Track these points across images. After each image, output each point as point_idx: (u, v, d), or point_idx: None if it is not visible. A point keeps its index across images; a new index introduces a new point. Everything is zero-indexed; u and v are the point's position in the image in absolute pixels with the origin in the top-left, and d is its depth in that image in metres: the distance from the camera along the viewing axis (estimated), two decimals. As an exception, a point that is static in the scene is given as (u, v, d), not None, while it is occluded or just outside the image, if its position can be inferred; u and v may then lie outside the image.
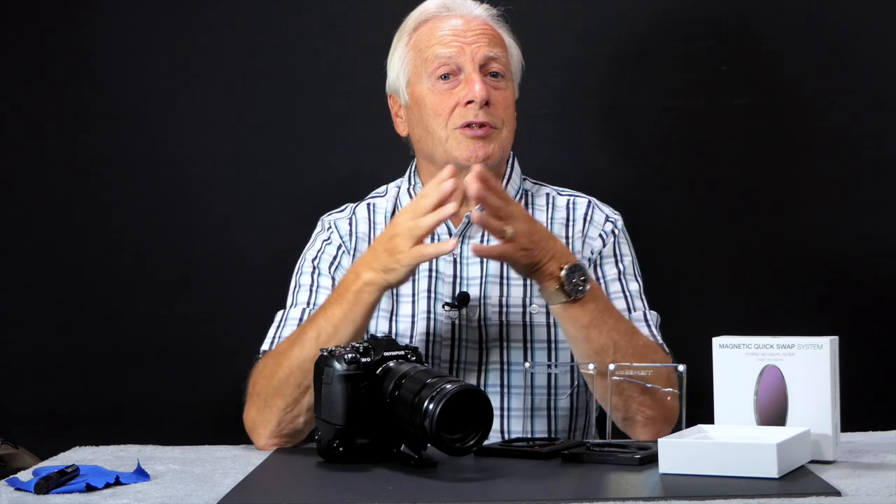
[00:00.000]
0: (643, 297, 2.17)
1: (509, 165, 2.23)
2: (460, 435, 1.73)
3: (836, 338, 1.80)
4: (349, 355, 1.81)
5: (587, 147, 2.67)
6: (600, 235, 2.19)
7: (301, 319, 2.11)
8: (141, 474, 1.75)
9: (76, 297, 2.68)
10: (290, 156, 2.68)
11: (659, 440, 1.68)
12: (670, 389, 1.95)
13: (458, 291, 2.15)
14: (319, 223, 2.26)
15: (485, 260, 2.15)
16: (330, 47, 2.66)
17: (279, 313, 2.17)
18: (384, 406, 1.79)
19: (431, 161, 2.16)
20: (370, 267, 1.96)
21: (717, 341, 1.82)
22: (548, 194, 2.25)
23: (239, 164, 2.68)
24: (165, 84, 2.68)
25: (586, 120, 2.67)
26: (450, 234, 2.18)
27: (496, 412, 2.10)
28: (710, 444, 1.69)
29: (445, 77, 2.13)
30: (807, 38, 2.64)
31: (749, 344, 1.80)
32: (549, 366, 2.13)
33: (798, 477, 1.65)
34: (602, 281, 2.15)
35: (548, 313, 2.13)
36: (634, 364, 1.91)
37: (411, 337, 2.14)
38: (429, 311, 2.15)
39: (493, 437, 2.08)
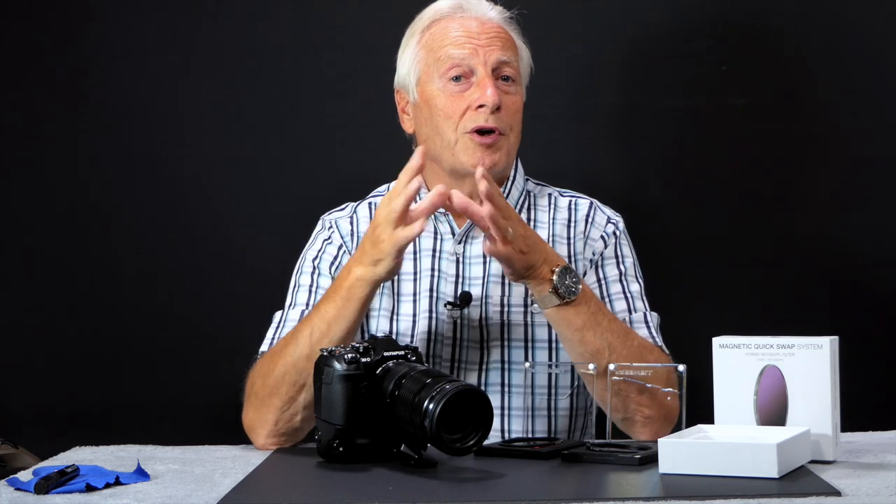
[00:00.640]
0: (644, 298, 2.17)
1: (513, 167, 2.23)
2: (460, 435, 1.73)
3: (836, 338, 1.80)
4: (349, 355, 1.81)
5: (588, 147, 2.67)
6: (602, 237, 2.19)
7: (300, 320, 2.11)
8: (141, 474, 1.75)
9: (76, 297, 2.68)
10: (291, 155, 2.68)
11: (659, 440, 1.69)
12: (670, 389, 1.95)
13: (460, 291, 2.15)
14: (320, 222, 2.26)
15: (487, 260, 2.16)
16: (331, 47, 2.66)
17: (277, 314, 2.17)
18: (384, 406, 1.80)
19: (436, 161, 2.16)
20: (360, 262, 1.96)
21: (717, 341, 1.82)
22: (550, 195, 2.25)
23: (239, 164, 2.68)
24: (166, 84, 2.68)
25: (587, 121, 2.67)
26: (453, 234, 2.18)
27: (497, 411, 2.11)
28: (710, 444, 1.69)
29: (457, 79, 2.13)
30: (807, 38, 2.64)
31: (749, 344, 1.80)
32: (549, 365, 2.13)
33: (798, 477, 1.65)
34: (603, 282, 2.16)
35: (549, 313, 2.14)
36: (634, 364, 1.92)
37: (413, 336, 2.14)
38: (430, 311, 2.15)
39: (494, 437, 2.08)
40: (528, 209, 2.22)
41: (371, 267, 1.95)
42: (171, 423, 2.62)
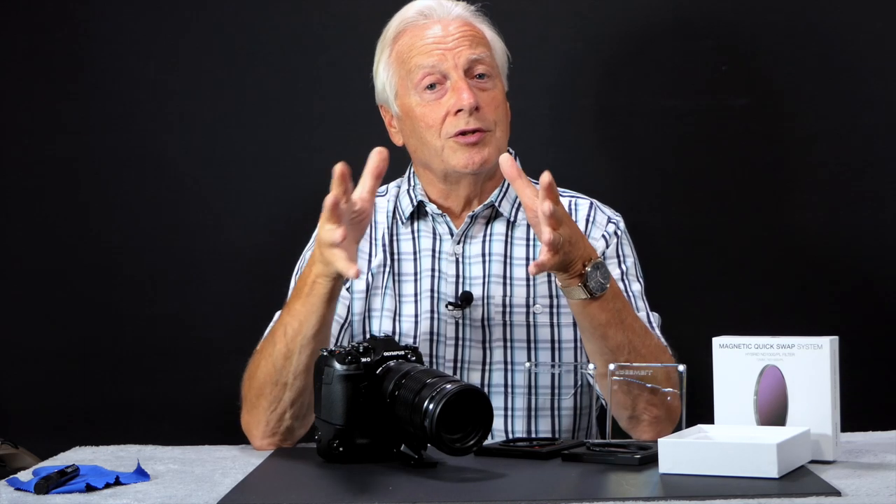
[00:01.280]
0: (645, 298, 2.17)
1: (510, 165, 2.23)
2: (460, 435, 1.73)
3: (836, 338, 1.80)
4: (349, 355, 1.81)
5: (586, 147, 2.67)
6: (603, 236, 2.19)
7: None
8: (141, 474, 1.75)
9: (76, 297, 2.68)
10: (289, 156, 2.68)
11: (659, 440, 1.69)
12: (671, 389, 1.95)
13: (461, 291, 2.15)
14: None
15: (487, 260, 2.15)
16: (328, 46, 2.66)
17: (277, 314, 2.17)
18: (384, 406, 1.80)
19: (429, 169, 2.17)
20: (317, 258, 1.93)
21: (717, 341, 1.82)
22: (549, 195, 2.25)
23: (238, 165, 2.68)
24: (163, 84, 2.68)
25: (585, 120, 2.67)
26: (451, 235, 2.18)
27: (500, 412, 2.11)
28: (710, 444, 1.69)
29: (432, 87, 2.12)
30: (806, 39, 2.64)
31: (749, 344, 1.80)
32: (552, 365, 2.13)
33: (798, 477, 1.65)
34: (605, 282, 2.15)
35: (551, 314, 2.14)
36: (634, 364, 1.92)
37: (415, 336, 2.14)
38: (432, 311, 2.15)
39: (497, 437, 2.09)
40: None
41: (324, 265, 1.92)
42: (171, 423, 2.62)
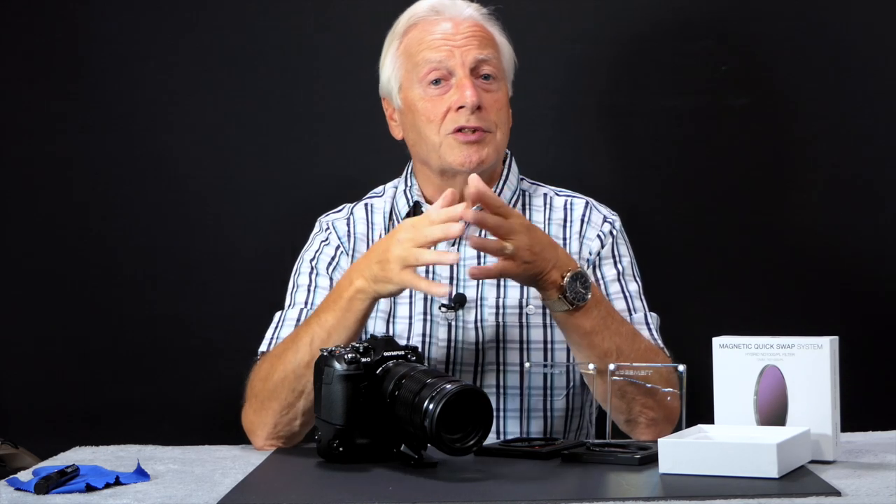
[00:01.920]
0: (643, 297, 2.17)
1: (506, 166, 2.23)
2: (460, 435, 1.73)
3: (836, 338, 1.80)
4: (349, 355, 1.81)
5: (586, 147, 2.67)
6: (598, 236, 2.19)
7: (299, 320, 2.11)
8: (141, 474, 1.75)
9: (76, 297, 2.68)
10: (288, 156, 2.68)
11: (659, 440, 1.68)
12: (670, 389, 1.95)
13: (454, 293, 2.15)
14: (317, 224, 2.26)
15: (481, 262, 2.14)
16: (328, 47, 2.66)
17: (277, 314, 2.17)
18: (384, 406, 1.79)
19: (427, 165, 2.16)
20: (362, 275, 1.94)
21: (717, 341, 1.82)
22: (545, 195, 2.25)
23: (237, 165, 2.68)
24: (162, 84, 2.68)
25: (586, 120, 2.67)
26: (447, 238, 2.18)
27: (493, 413, 2.11)
28: (710, 444, 1.69)
29: (436, 82, 2.12)
30: (806, 38, 2.64)
31: (749, 344, 1.80)
32: (545, 366, 2.13)
33: (798, 477, 1.65)
34: (601, 282, 2.15)
35: (544, 314, 2.13)
36: (634, 364, 1.91)
37: (408, 338, 2.14)
38: (425, 313, 2.15)
39: (490, 438, 2.08)
40: (523, 209, 2.22)
41: (373, 283, 1.93)
42: (171, 423, 2.62)
